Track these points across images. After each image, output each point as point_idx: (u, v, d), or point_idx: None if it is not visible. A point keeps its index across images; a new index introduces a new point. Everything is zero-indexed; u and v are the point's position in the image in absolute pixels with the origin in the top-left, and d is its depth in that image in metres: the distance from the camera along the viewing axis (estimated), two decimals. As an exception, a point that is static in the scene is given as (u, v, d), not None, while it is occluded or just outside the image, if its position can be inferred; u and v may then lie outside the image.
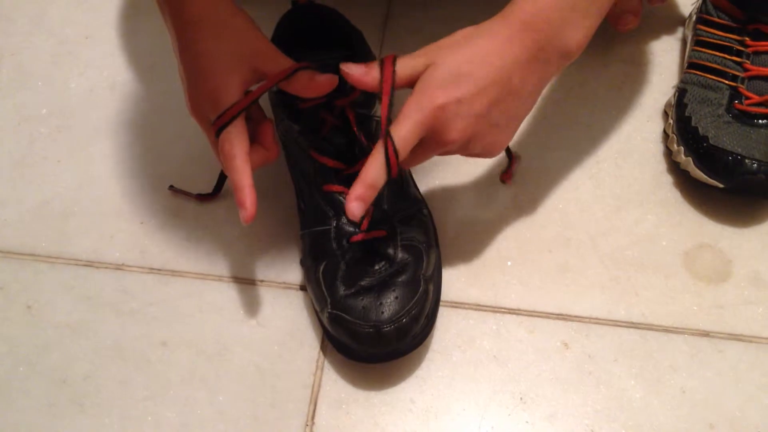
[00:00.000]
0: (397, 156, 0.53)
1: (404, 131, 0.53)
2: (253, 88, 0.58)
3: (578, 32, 0.54)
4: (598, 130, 0.74)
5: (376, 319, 0.57)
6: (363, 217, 0.60)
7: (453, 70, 0.53)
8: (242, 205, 0.56)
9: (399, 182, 0.64)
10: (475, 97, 0.52)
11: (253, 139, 0.58)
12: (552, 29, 0.53)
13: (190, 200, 0.71)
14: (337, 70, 0.57)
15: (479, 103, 0.53)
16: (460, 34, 0.54)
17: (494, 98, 0.53)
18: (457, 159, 0.70)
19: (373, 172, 0.53)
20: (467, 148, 0.56)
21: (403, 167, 0.57)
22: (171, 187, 0.72)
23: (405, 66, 0.54)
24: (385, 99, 0.54)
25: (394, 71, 0.54)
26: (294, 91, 0.58)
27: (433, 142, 0.54)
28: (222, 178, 0.70)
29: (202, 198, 0.71)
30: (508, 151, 0.69)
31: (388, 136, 0.52)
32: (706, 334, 0.64)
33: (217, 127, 0.56)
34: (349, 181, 0.61)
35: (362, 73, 0.54)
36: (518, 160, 0.71)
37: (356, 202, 0.53)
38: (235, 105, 0.56)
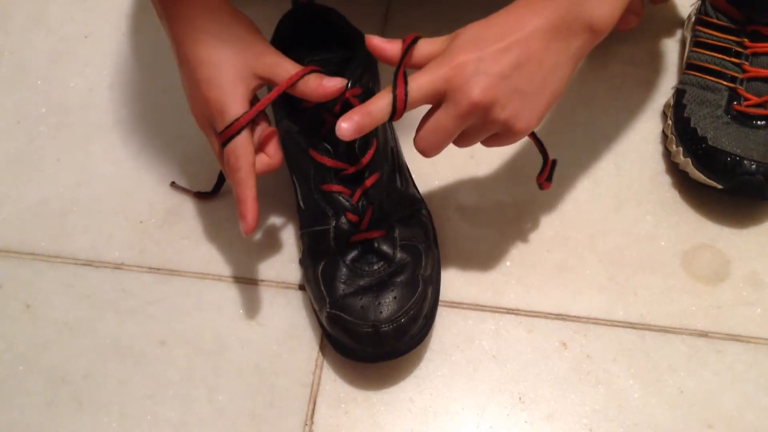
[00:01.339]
0: (407, 96, 0.52)
1: (420, 79, 0.52)
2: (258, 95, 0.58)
3: (602, 6, 0.52)
4: (597, 130, 0.75)
5: (374, 318, 0.57)
6: (363, 217, 0.60)
7: (474, 35, 0.52)
8: (243, 218, 0.57)
9: (399, 182, 0.64)
10: (496, 56, 0.51)
11: (257, 146, 0.58)
12: (572, 1, 0.52)
13: (189, 199, 0.71)
14: (339, 70, 0.58)
15: (500, 62, 0.51)
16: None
17: (516, 60, 0.51)
18: (458, 158, 0.71)
19: (378, 103, 0.53)
20: (490, 117, 0.53)
21: (426, 151, 0.55)
22: (173, 183, 0.72)
23: (427, 42, 0.54)
24: (401, 52, 0.54)
25: (416, 39, 0.54)
26: (301, 95, 0.57)
27: (454, 103, 0.52)
28: (221, 178, 0.70)
29: (202, 196, 0.71)
30: (543, 151, 0.63)
31: (401, 70, 0.52)
32: (704, 334, 0.64)
33: (223, 139, 0.56)
34: (348, 181, 0.61)
35: (384, 41, 0.55)
36: (555, 164, 0.65)
37: (347, 123, 0.52)
38: (241, 117, 0.56)
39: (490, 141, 0.56)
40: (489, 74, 0.51)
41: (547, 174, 0.63)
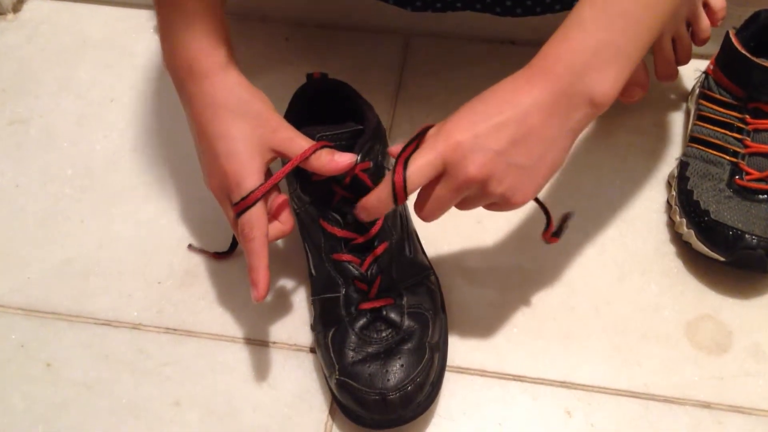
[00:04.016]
0: (405, 183, 0.53)
1: (418, 162, 0.53)
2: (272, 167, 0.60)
3: (604, 81, 0.52)
4: (603, 198, 0.76)
5: (381, 386, 0.59)
6: (371, 285, 0.62)
7: (470, 110, 0.53)
8: (255, 286, 0.59)
9: (408, 251, 0.66)
10: (492, 133, 0.52)
11: (270, 214, 0.61)
12: (574, 75, 0.52)
13: (205, 261, 0.73)
14: (349, 144, 0.60)
15: (497, 138, 0.52)
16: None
17: (513, 136, 0.52)
18: (465, 223, 0.73)
19: (376, 195, 0.55)
20: (487, 190, 0.54)
21: (426, 218, 0.57)
22: (190, 245, 0.74)
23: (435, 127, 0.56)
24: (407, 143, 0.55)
25: (426, 129, 0.56)
26: (313, 169, 0.60)
27: (452, 178, 0.53)
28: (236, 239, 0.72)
29: (218, 256, 0.73)
30: (544, 209, 0.63)
31: (399, 161, 0.53)
32: (707, 405, 0.64)
33: (238, 210, 0.58)
34: (357, 250, 0.63)
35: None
36: (571, 216, 0.63)
37: (359, 213, 0.57)
38: (256, 190, 0.58)
39: (490, 207, 0.57)
40: (485, 150, 0.52)
41: (552, 230, 0.63)
